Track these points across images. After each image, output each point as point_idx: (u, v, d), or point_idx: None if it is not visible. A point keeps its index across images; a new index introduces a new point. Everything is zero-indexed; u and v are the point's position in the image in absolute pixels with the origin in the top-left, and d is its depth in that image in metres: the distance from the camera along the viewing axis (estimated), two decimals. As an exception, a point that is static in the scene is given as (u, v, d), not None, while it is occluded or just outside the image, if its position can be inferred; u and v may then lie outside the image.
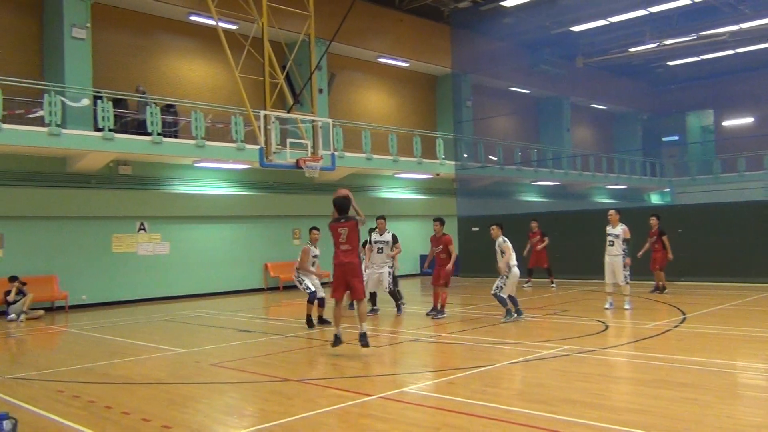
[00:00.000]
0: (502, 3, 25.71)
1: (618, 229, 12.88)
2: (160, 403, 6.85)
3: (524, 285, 18.42)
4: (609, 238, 12.99)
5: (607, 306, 13.06)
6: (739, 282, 17.04)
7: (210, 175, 20.63)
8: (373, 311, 13.96)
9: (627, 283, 12.80)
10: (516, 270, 11.80)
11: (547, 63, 31.22)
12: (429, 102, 29.84)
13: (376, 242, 13.47)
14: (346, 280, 8.99)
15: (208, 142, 18.81)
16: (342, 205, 9.36)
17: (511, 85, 32.55)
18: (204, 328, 13.11)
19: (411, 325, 12.13)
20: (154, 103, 18.13)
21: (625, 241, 12.80)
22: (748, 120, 38.17)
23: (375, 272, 13.47)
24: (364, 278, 11.38)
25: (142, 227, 19.04)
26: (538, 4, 25.89)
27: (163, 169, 19.63)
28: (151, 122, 17.74)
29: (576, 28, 29.15)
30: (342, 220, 9.25)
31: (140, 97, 18.33)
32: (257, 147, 14.97)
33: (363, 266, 12.07)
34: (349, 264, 9.00)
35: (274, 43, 16.06)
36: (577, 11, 27.21)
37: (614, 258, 12.88)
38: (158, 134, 17.81)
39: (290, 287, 21.57)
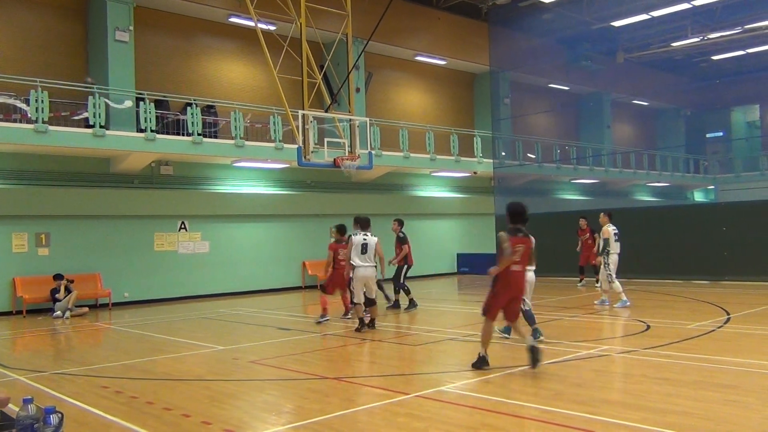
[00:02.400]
0: (541, -1, 25.43)
1: (607, 229, 13.60)
2: (200, 399, 6.96)
3: (578, 285, 18.23)
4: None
5: (597, 303, 13.86)
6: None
7: (249, 175, 20.88)
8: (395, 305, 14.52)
9: (612, 282, 13.40)
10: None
11: (587, 59, 30.74)
12: (466, 100, 29.69)
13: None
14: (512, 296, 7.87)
15: (247, 142, 19.03)
16: (522, 213, 8.00)
17: (550, 82, 32.16)
18: (243, 325, 13.27)
19: (448, 323, 12.09)
20: (195, 103, 18.42)
21: (605, 241, 13.48)
22: (797, 115, 37.02)
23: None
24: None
25: (182, 226, 19.38)
26: (577, -1, 25.56)
27: (203, 168, 19.94)
28: (192, 123, 18.02)
29: (616, 23, 28.62)
30: (520, 234, 7.86)
31: (87, 88, 17.17)
32: (295, 146, 15.10)
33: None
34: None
35: (312, 43, 16.18)
36: (617, 6, 26.73)
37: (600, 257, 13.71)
38: (198, 135, 18.09)
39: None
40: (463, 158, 24.87)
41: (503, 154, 27.89)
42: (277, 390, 7.56)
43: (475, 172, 25.92)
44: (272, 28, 16.85)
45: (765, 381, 6.94)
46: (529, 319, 9.49)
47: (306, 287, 21.75)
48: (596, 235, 15.01)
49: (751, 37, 29.73)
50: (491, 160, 26.19)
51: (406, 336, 10.87)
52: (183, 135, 18.18)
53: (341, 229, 12.93)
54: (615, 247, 13.51)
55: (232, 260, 20.26)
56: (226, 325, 13.36)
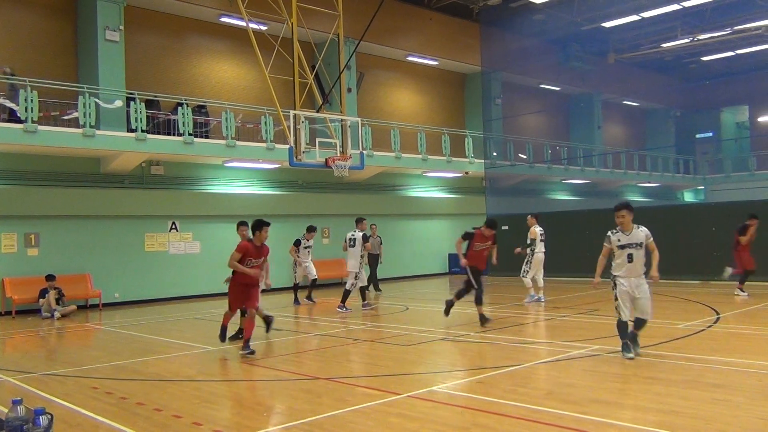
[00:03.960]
0: (532, 0, 25.51)
1: (534, 230, 14.76)
2: (191, 400, 6.95)
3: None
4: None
5: (527, 300, 14.84)
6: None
7: (240, 175, 20.84)
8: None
9: (524, 277, 14.76)
10: None
11: (578, 59, 30.87)
12: (458, 100, 29.74)
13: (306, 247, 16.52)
14: None
15: (238, 142, 18.99)
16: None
17: (541, 83, 32.27)
18: (234, 326, 13.22)
19: (440, 324, 12.10)
20: (186, 103, 18.36)
21: (532, 241, 14.73)
22: (785, 116, 37.30)
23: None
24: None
25: (173, 227, 19.31)
26: (568, 0, 25.63)
27: (194, 169, 19.88)
28: (183, 123, 17.97)
29: (607, 24, 28.76)
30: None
31: (8, 79, 16.39)
32: (287, 146, 15.10)
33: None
34: None
35: (304, 43, 16.16)
36: (608, 7, 26.85)
37: (534, 256, 14.75)
38: (189, 135, 18.04)
39: (319, 286, 21.65)
40: (454, 158, 24.91)
41: (494, 154, 27.97)
42: (269, 390, 7.55)
43: (466, 173, 25.98)
44: (263, 28, 16.82)
45: (753, 380, 6.98)
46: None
47: (302, 287, 21.66)
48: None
49: (741, 39, 29.94)
50: (482, 161, 26.26)
51: (398, 336, 10.88)
52: (174, 135, 18.12)
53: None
54: (540, 247, 14.76)
55: (224, 261, 20.01)
56: (217, 326, 13.27)
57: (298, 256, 16.46)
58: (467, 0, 26.54)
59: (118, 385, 7.76)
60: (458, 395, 6.86)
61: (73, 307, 16.19)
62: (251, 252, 9.51)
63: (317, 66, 17.04)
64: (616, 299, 8.24)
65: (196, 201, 19.68)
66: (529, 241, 14.78)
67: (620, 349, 8.24)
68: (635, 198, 36.30)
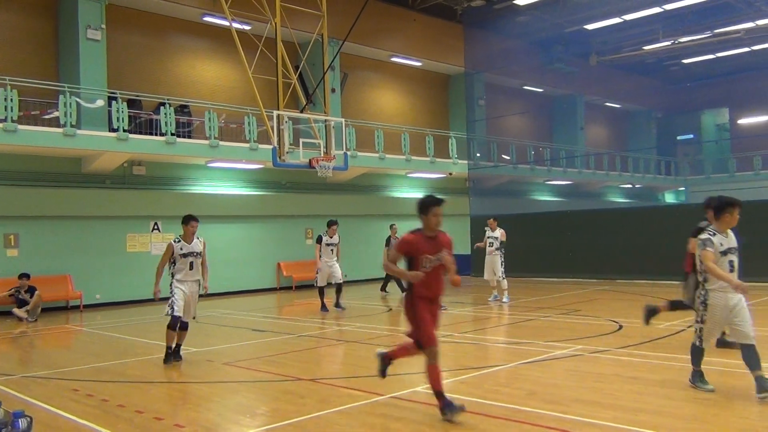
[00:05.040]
0: (515, 1, 25.62)
1: (497, 233, 14.85)
2: (173, 401, 6.90)
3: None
4: (489, 240, 14.93)
5: (491, 299, 15.08)
6: (755, 281, 16.85)
7: (223, 175, 20.74)
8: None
9: (504, 278, 14.78)
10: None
11: (561, 61, 31.07)
12: (442, 101, 29.81)
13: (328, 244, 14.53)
14: None
15: (221, 142, 18.90)
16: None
17: (524, 84, 32.44)
18: (217, 327, 13.17)
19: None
20: (168, 103, 18.24)
21: (501, 243, 14.77)
22: (764, 118, 37.77)
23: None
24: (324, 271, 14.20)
25: (155, 227, 19.17)
26: (551, 2, 25.79)
27: (176, 169, 19.75)
28: (165, 123, 17.85)
29: (590, 26, 28.97)
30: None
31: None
32: (270, 147, 15.06)
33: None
34: None
35: (287, 44, 16.13)
36: (590, 9, 27.05)
37: (493, 257, 14.85)
38: (172, 134, 17.92)
39: (302, 287, 21.64)
40: (438, 159, 24.96)
41: (478, 155, 28.07)
42: (252, 392, 7.51)
43: (450, 173, 26.04)
44: (247, 27, 16.75)
45: (731, 379, 7.06)
46: None
47: (281, 288, 21.65)
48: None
49: (721, 42, 30.29)
50: (466, 161, 26.34)
51: (382, 337, 10.88)
52: (156, 135, 18.00)
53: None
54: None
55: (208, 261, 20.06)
56: (200, 327, 13.21)
57: (320, 256, 14.40)
58: (451, 1, 26.61)
59: (99, 387, 7.69)
60: (441, 396, 6.86)
61: (36, 299, 15.42)
62: (423, 246, 6.04)
63: (301, 66, 16.99)
64: (702, 321, 6.45)
65: (179, 201, 19.53)
66: (498, 243, 14.77)
67: (690, 380, 6.65)
68: (617, 199, 36.61)
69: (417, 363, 8.98)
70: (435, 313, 6.17)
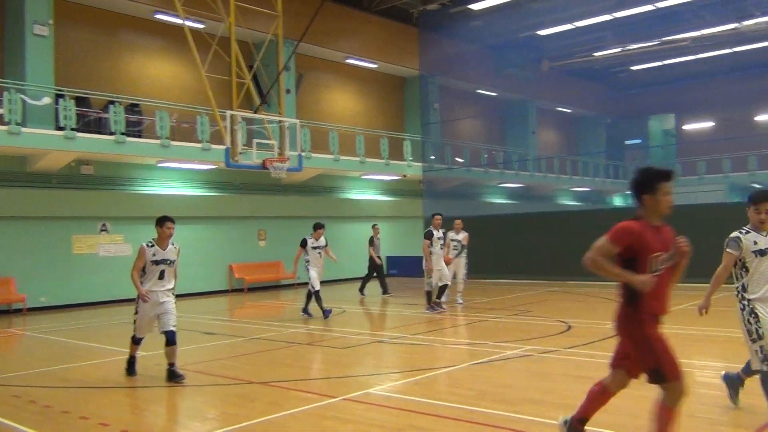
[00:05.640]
0: (470, 6, 25.90)
1: (461, 236, 14.74)
2: (120, 407, 6.74)
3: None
4: (453, 243, 14.64)
5: (459, 301, 14.88)
6: (701, 282, 17.37)
7: (174, 176, 20.39)
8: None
9: (464, 280, 15.01)
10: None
11: (514, 66, 31.52)
12: (397, 103, 29.92)
13: (315, 247, 13.57)
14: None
15: (172, 142, 18.58)
16: None
17: (478, 88, 32.80)
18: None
19: (376, 326, 12.14)
20: (118, 101, 17.84)
21: (463, 246, 14.76)
22: (708, 124, 39.07)
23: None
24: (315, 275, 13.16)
25: (104, 228, 18.72)
26: (505, 7, 26.11)
27: (126, 169, 19.33)
28: (115, 121, 17.46)
29: (542, 32, 29.48)
30: None
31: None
32: (223, 147, 14.87)
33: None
34: None
35: (242, 43, 15.96)
36: (543, 15, 27.52)
37: (459, 259, 14.75)
38: (122, 134, 17.54)
39: (255, 289, 21.43)
40: (392, 161, 25.04)
41: (432, 157, 28.27)
42: (201, 396, 7.39)
43: (404, 176, 26.16)
44: (200, 26, 16.54)
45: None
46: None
47: (233, 290, 21.40)
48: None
49: (667, 49, 31.18)
50: (420, 164, 26.49)
51: (335, 339, 10.85)
52: (105, 134, 17.59)
53: None
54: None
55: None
56: (149, 330, 12.97)
57: (307, 260, 13.51)
58: (406, 4, 26.74)
59: (43, 393, 7.47)
60: (394, 397, 6.88)
61: None
62: (652, 241, 4.58)
63: (255, 66, 16.83)
64: (760, 338, 5.31)
65: (128, 202, 19.15)
66: (461, 247, 14.73)
67: None
68: (568, 202, 37.30)
69: (369, 363, 8.99)
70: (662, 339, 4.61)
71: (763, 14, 27.18)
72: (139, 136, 18.79)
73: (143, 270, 8.05)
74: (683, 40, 29.65)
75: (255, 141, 15.21)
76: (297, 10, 18.59)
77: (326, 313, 13.09)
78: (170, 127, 18.79)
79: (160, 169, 19.87)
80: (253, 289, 21.33)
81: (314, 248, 13.49)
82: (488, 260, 20.12)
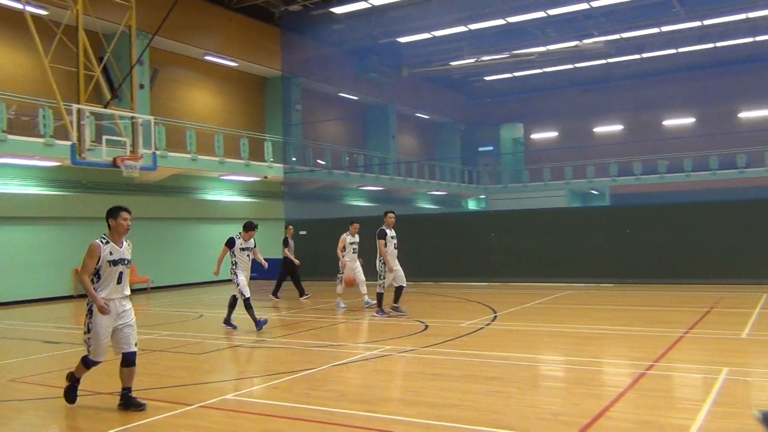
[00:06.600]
0: (332, 9, 26.05)
1: (357, 238, 14.41)
2: (-54, 426, 6.12)
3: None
4: (353, 246, 14.33)
5: (366, 305, 14.23)
6: (545, 282, 18.56)
7: (12, 173, 18.78)
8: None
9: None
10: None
11: (375, 71, 32.14)
12: (258, 104, 29.46)
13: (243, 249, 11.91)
14: None
15: (10, 136, 17.14)
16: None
17: (340, 91, 33.08)
18: (2, 340, 11.91)
19: (232, 331, 11.86)
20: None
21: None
22: (553, 134, 41.95)
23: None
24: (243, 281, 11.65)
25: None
26: (367, 13, 26.55)
27: (-45, 164, 17.59)
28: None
29: (402, 39, 30.29)
30: None
31: None
32: (69, 143, 13.95)
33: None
34: None
35: (91, 33, 15.04)
36: (403, 23, 28.28)
37: (357, 263, 14.45)
38: (-50, 125, 15.95)
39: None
40: (253, 162, 24.63)
41: (294, 159, 28.14)
42: (42, 410, 6.87)
43: (265, 177, 25.82)
44: (43, 12, 15.39)
45: (524, 372, 7.71)
46: None
47: (78, 296, 20.07)
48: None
49: (517, 62, 33.12)
50: (282, 165, 26.27)
51: (191, 345, 10.49)
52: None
53: None
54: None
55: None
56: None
57: (234, 262, 11.79)
58: (268, 4, 26.43)
59: None
60: (251, 402, 6.76)
61: None
62: None
63: (105, 58, 15.91)
64: None
65: (-42, 200, 17.44)
66: (358, 249, 14.44)
67: None
68: (425, 205, 38.51)
69: (226, 369, 8.77)
70: None
71: (601, 34, 29.60)
72: (-29, 129, 17.18)
73: (97, 274, 6.55)
74: (531, 54, 31.62)
75: (105, 137, 14.40)
76: (152, 1, 17.79)
77: (260, 324, 11.43)
78: (8, 120, 17.33)
79: (-4, 165, 18.27)
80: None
81: (243, 250, 11.80)
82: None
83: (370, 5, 25.39)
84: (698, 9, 26.77)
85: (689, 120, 37.33)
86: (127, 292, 6.74)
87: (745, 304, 12.89)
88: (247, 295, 11.58)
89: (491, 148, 42.39)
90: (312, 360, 8.84)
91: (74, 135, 13.53)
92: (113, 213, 6.79)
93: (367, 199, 33.94)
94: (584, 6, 26.10)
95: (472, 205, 42.79)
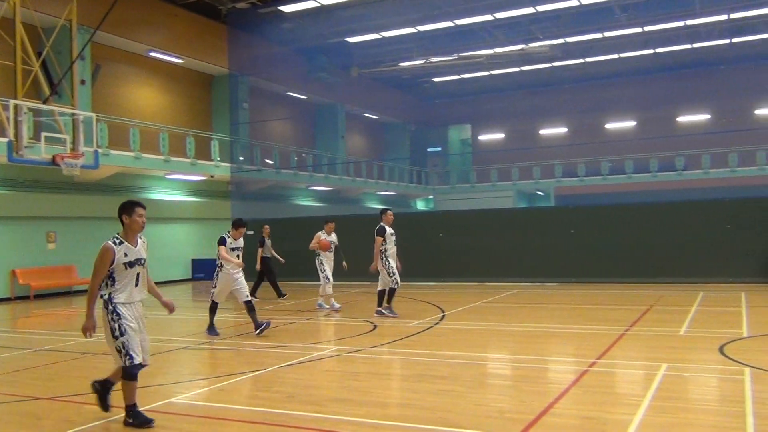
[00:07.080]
0: (281, 8, 25.83)
1: (333, 236, 14.47)
2: None
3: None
4: (333, 244, 14.40)
5: (337, 306, 14.05)
6: (492, 281, 18.83)
7: (-55, 170, 18.06)
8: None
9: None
10: None
11: (324, 71, 32.01)
12: (204, 102, 28.99)
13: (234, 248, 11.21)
14: None
15: (-58, 132, 16.45)
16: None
17: (288, 90, 32.84)
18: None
19: (179, 332, 11.64)
20: None
21: (337, 247, 14.58)
22: (500, 136, 42.59)
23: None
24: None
25: None
26: (316, 12, 26.43)
27: None
28: None
29: (351, 39, 30.26)
30: None
31: None
32: (5, 140, 13.47)
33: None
34: None
35: (29, 26, 14.54)
36: (352, 23, 28.25)
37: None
38: None
39: (43, 296, 19.62)
40: (199, 161, 24.22)
41: (241, 158, 27.80)
42: (-25, 417, 6.60)
43: (211, 176, 25.42)
44: (-22, 3, 14.80)
45: (471, 370, 7.79)
46: None
47: (17, 298, 19.39)
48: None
49: (465, 64, 33.50)
50: (229, 164, 25.92)
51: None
52: None
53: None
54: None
55: None
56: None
57: (219, 265, 11.01)
58: (215, 0, 26.02)
59: None
60: (198, 405, 6.65)
61: None
62: None
63: (45, 53, 15.41)
64: None
65: None
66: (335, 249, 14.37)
67: None
68: (375, 205, 38.59)
69: (172, 371, 8.59)
70: None
71: (547, 38, 30.18)
72: None
73: (111, 277, 5.97)
74: (479, 56, 32.04)
75: (43, 134, 13.94)
76: (94, -5, 17.32)
77: (212, 330, 11.01)
78: (-61, 115, 16.60)
79: (-74, 162, 17.49)
80: (40, 296, 19.49)
81: (233, 249, 11.09)
82: (298, 262, 20.16)
83: (319, 4, 25.28)
84: (639, 16, 27.58)
85: (631, 123, 38.41)
86: (144, 295, 6.25)
87: (683, 302, 13.34)
88: (217, 301, 11.08)
89: (440, 149, 42.78)
90: (261, 361, 8.75)
91: (11, 131, 13.07)
92: (127, 209, 6.21)
93: (315, 199, 33.79)
94: (531, 10, 26.58)
95: (420, 205, 43.05)
